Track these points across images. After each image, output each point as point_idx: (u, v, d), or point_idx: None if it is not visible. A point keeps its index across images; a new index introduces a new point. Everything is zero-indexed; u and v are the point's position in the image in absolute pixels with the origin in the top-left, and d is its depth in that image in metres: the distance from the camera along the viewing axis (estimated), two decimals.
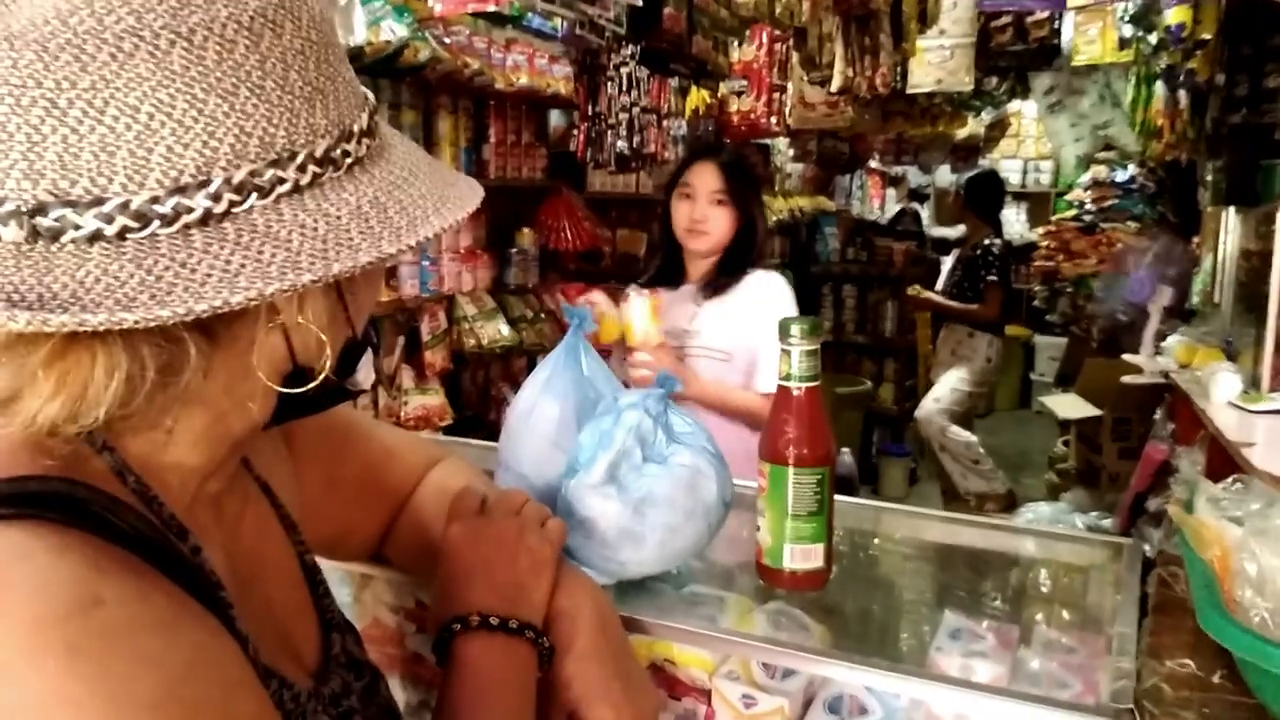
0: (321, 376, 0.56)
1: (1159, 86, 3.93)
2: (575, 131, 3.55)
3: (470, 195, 0.58)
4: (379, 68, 2.59)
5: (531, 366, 0.94)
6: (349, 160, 0.53)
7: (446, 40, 2.79)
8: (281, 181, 0.49)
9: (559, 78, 3.30)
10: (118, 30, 0.45)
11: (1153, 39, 3.31)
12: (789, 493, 0.84)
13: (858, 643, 0.90)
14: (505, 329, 3.25)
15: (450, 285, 3.06)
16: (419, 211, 0.53)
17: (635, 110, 3.62)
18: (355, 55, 2.39)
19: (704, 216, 2.08)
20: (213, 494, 0.61)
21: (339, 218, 0.50)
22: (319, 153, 0.51)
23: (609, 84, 3.52)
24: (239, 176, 0.48)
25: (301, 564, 0.72)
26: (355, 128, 0.53)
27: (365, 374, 0.63)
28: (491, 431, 2.35)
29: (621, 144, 3.57)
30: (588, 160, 3.58)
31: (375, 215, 0.52)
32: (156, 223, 0.47)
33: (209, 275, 0.46)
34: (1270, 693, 0.64)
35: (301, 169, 0.50)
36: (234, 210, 0.48)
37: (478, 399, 3.20)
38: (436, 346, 3.04)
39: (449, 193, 0.57)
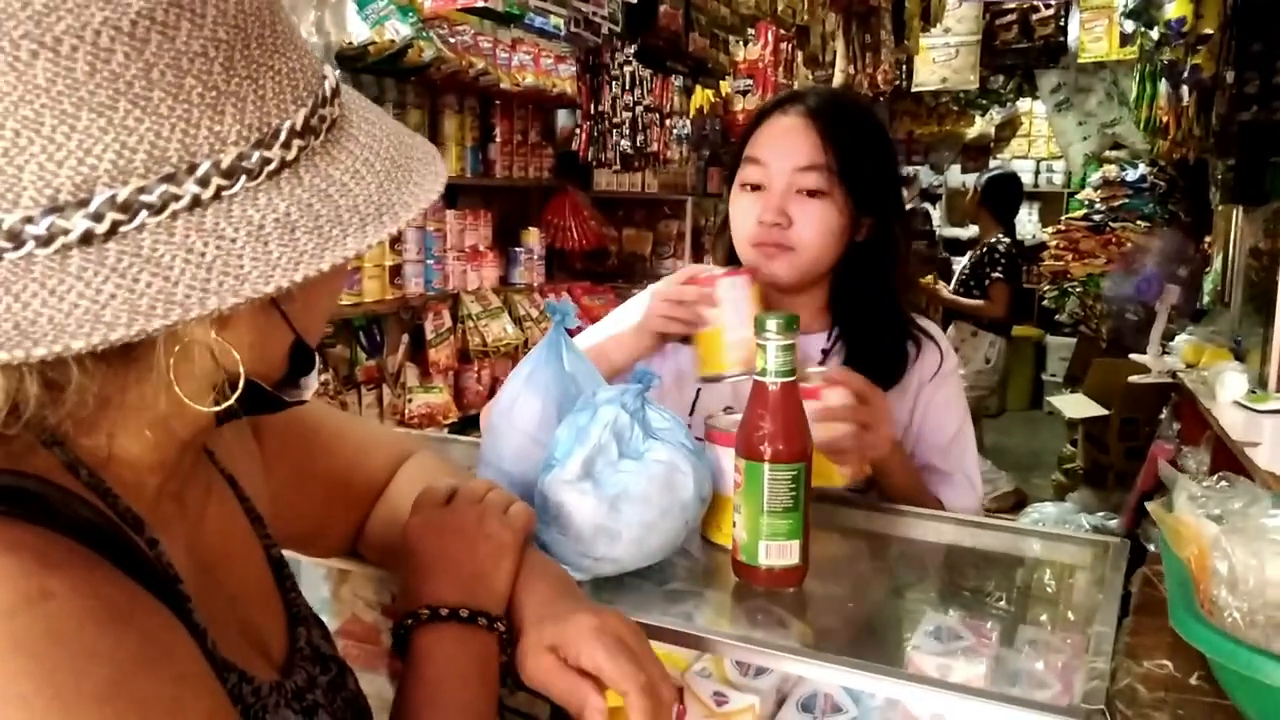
0: (236, 394, 0.52)
1: (1162, 83, 3.88)
2: (579, 131, 3.55)
3: (418, 198, 0.52)
4: (383, 67, 2.60)
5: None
6: (270, 167, 0.48)
7: (451, 40, 2.79)
8: (176, 198, 0.45)
9: (564, 77, 3.30)
10: None
11: (1154, 34, 3.27)
12: (764, 489, 0.83)
13: (837, 641, 0.88)
14: (510, 327, 3.25)
15: (455, 283, 3.07)
16: (337, 231, 0.48)
17: (638, 109, 3.61)
18: (358, 55, 2.39)
19: (783, 214, 1.17)
20: (174, 488, 0.61)
21: (234, 240, 0.46)
22: (225, 163, 0.46)
23: (612, 83, 3.51)
24: (124, 194, 0.44)
25: (268, 557, 0.71)
26: (285, 127, 0.49)
27: (310, 378, 0.60)
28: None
29: (625, 143, 3.57)
30: (591, 159, 3.58)
31: (279, 237, 0.47)
32: (31, 243, 0.44)
33: (75, 306, 0.43)
34: (1243, 694, 0.62)
35: (203, 182, 0.46)
36: (120, 230, 0.44)
37: (482, 397, 3.20)
38: (441, 345, 3.05)
39: (398, 196, 0.52)
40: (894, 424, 1.11)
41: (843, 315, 1.27)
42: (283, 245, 0.47)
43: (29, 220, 0.43)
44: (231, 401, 0.52)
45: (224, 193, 0.47)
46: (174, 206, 0.45)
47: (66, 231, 0.44)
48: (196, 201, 0.46)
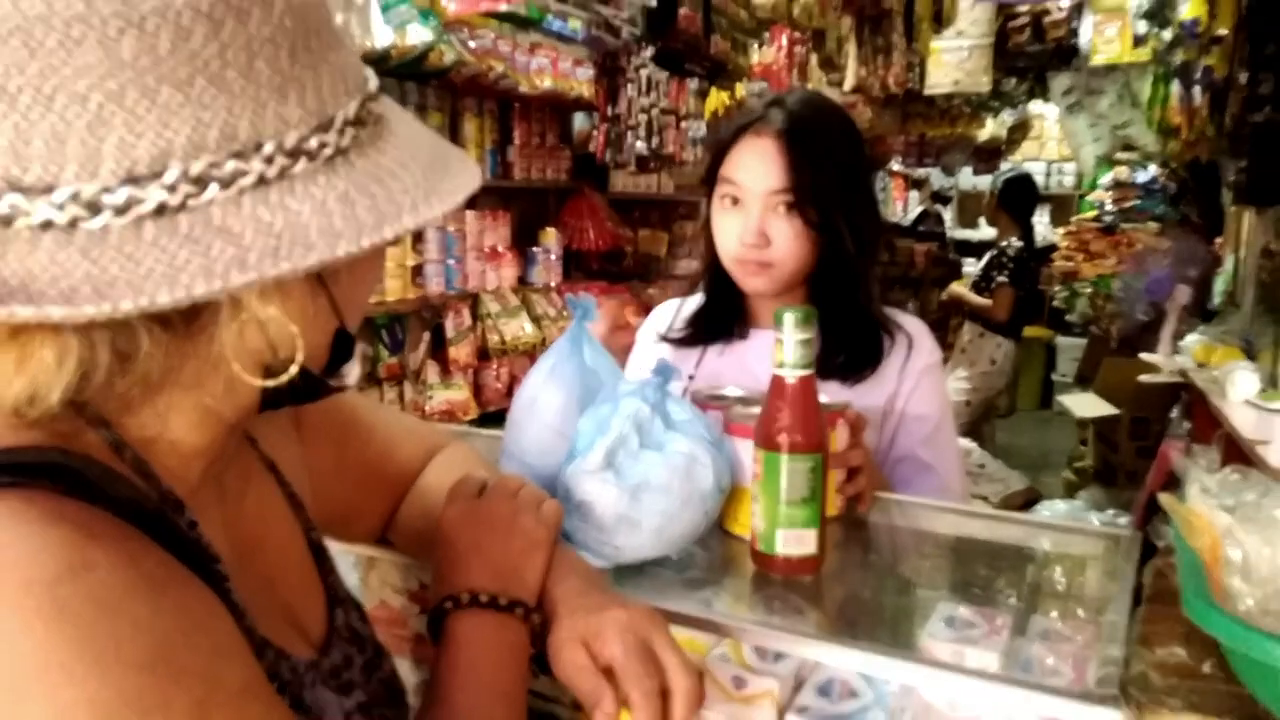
0: (295, 369, 0.53)
1: (1175, 84, 3.85)
2: (596, 133, 3.55)
3: (462, 187, 0.55)
4: (404, 70, 2.62)
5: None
6: (327, 151, 0.50)
7: (471, 44, 2.81)
8: (244, 174, 0.47)
9: (582, 81, 3.31)
10: (67, 16, 0.44)
11: (1167, 35, 3.24)
12: (782, 479, 0.84)
13: (853, 628, 0.89)
14: (529, 326, 3.27)
15: (475, 283, 3.08)
16: (392, 208, 0.51)
17: (654, 112, 3.62)
18: (380, 58, 2.41)
19: (763, 236, 1.21)
20: (216, 472, 0.62)
21: (300, 213, 0.48)
22: (289, 144, 0.49)
23: (628, 85, 3.52)
24: (197, 168, 0.46)
25: (308, 541, 0.72)
26: (339, 116, 0.51)
27: (353, 365, 0.62)
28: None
29: (641, 145, 3.58)
30: (608, 161, 3.58)
31: (341, 212, 0.49)
32: (108, 213, 0.45)
33: (152, 270, 0.45)
34: (1257, 681, 0.62)
35: (268, 161, 0.48)
36: (190, 202, 0.46)
37: (501, 395, 3.22)
38: (461, 343, 3.07)
39: (441, 185, 0.54)
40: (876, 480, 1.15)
41: (820, 310, 1.28)
42: (345, 219, 0.49)
43: (107, 190, 0.45)
44: (290, 375, 0.53)
45: (287, 172, 0.49)
46: (241, 182, 0.47)
47: (141, 202, 0.46)
48: (262, 179, 0.48)
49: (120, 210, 0.45)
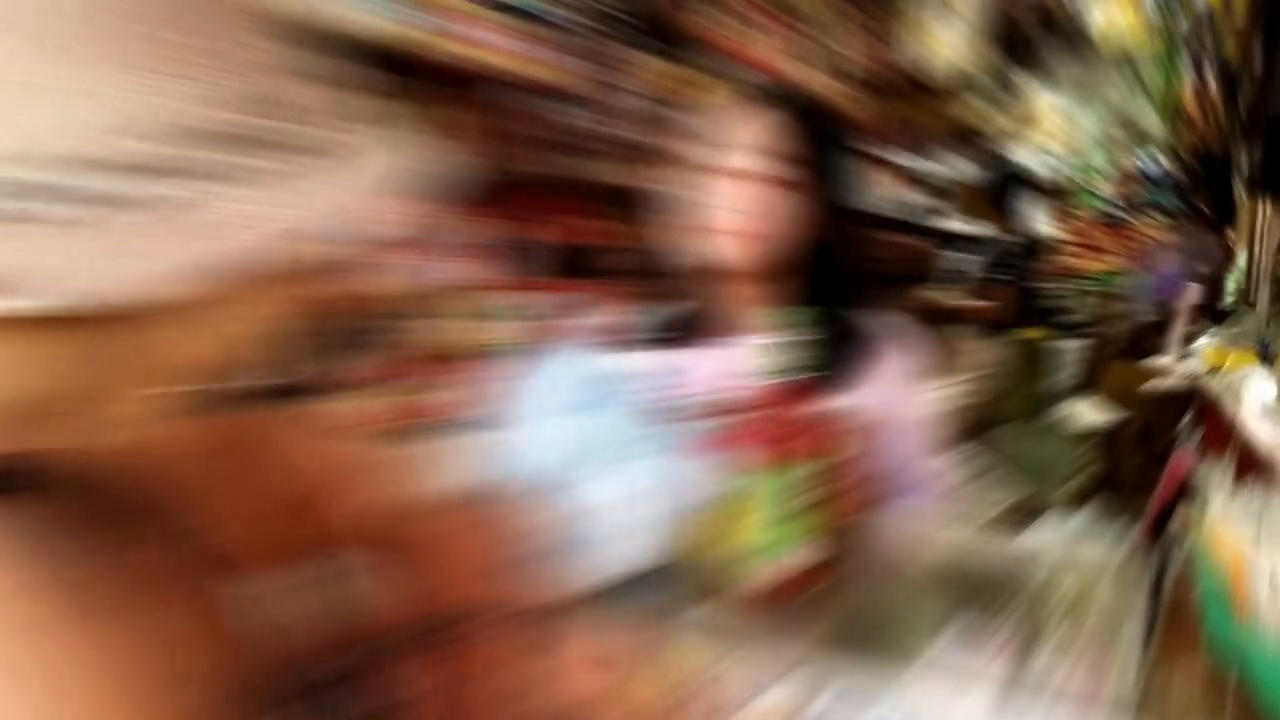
0: (232, 376, 0.53)
1: (1187, 72, 3.91)
2: (575, 121, 3.56)
3: (401, 181, 0.55)
4: (366, 54, 2.60)
5: (532, 365, 0.95)
6: (253, 142, 0.50)
7: (442, 26, 2.80)
8: (167, 164, 0.48)
9: (562, 69, 3.31)
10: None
11: (1180, 22, 3.29)
12: (778, 491, 0.84)
13: (856, 645, 0.89)
14: (504, 326, 3.26)
15: (447, 281, 3.07)
16: (320, 204, 0.51)
17: (637, 100, 3.62)
18: (340, 39, 2.39)
19: (755, 204, 1.21)
20: (174, 480, 0.62)
21: (225, 210, 0.48)
22: (215, 132, 0.49)
23: (608, 71, 3.52)
24: (115, 157, 0.47)
25: (265, 559, 0.72)
26: (270, 105, 0.51)
27: (304, 372, 0.62)
28: (491, 430, 2.32)
29: (624, 135, 3.58)
30: (586, 150, 3.59)
31: (267, 207, 0.49)
32: (39, 202, 0.46)
33: (68, 266, 0.45)
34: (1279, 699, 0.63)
35: (190, 150, 0.48)
36: (124, 191, 0.47)
37: (479, 399, 3.21)
38: (433, 344, 3.06)
39: (382, 180, 0.54)
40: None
41: (805, 311, 1.26)
42: (272, 214, 0.49)
43: (37, 179, 0.46)
44: (230, 382, 0.53)
45: (211, 164, 0.49)
46: (162, 173, 0.47)
47: (75, 189, 0.46)
48: (184, 169, 0.48)
49: (36, 200, 0.46)
